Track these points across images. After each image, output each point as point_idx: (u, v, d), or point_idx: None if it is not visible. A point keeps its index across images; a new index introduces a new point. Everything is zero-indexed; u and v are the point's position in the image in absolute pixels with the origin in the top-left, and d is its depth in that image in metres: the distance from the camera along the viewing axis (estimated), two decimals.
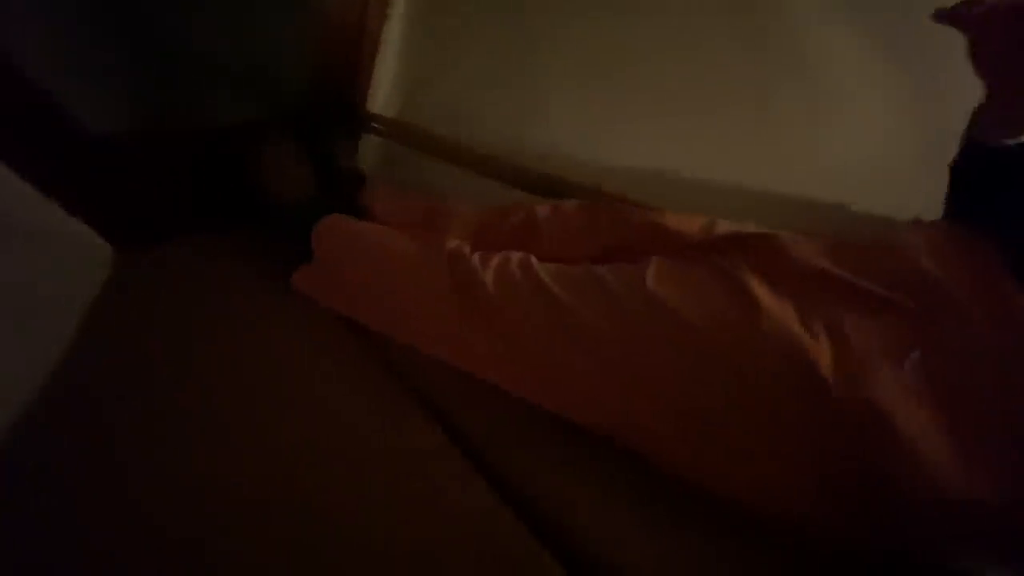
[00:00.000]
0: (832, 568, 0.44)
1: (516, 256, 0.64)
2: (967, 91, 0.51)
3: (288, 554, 0.51)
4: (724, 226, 0.62)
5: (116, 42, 0.80)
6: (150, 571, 0.48)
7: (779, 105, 0.82)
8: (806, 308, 0.46)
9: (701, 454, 0.47)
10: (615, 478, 0.53)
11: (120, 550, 0.50)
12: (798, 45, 0.82)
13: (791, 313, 0.46)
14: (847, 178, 0.77)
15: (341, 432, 0.64)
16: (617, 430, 0.53)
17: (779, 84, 0.82)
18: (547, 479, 0.55)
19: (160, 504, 0.53)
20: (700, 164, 0.87)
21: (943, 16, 0.47)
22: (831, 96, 0.82)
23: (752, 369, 0.44)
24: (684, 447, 0.48)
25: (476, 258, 0.65)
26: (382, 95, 1.21)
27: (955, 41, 0.50)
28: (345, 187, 1.03)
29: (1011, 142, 0.50)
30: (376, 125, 1.20)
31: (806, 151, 0.80)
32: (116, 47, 0.81)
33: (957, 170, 0.57)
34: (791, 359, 0.44)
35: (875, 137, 0.80)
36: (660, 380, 0.48)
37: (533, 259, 0.63)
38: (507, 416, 0.61)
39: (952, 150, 0.56)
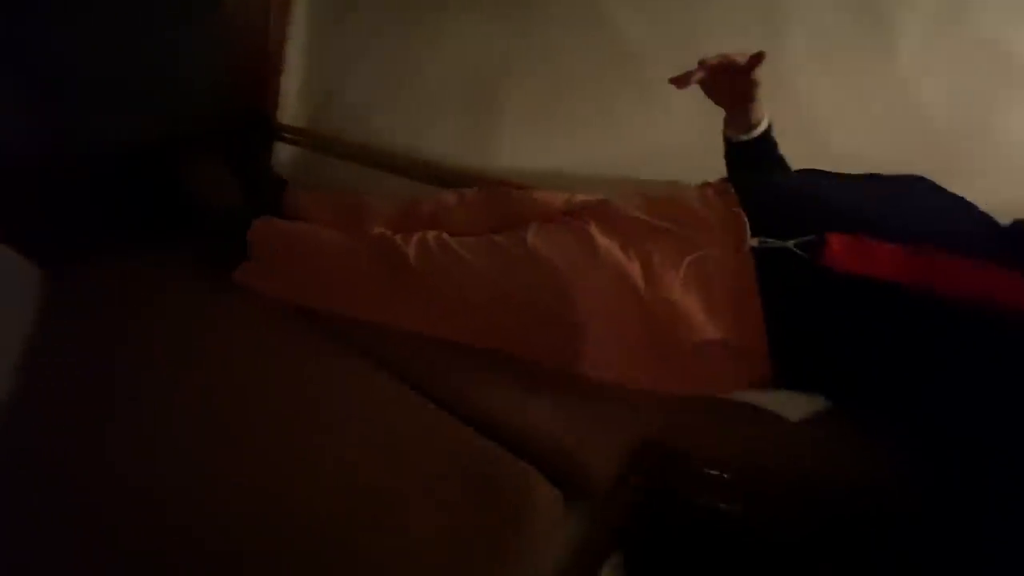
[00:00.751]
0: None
1: (431, 233, 0.83)
2: None
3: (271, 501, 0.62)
4: (579, 198, 0.86)
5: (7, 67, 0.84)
6: None
7: (615, 104, 1.10)
8: (626, 243, 0.71)
9: (566, 348, 0.70)
10: (534, 381, 0.73)
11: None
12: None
13: (617, 248, 0.71)
14: (671, 156, 1.04)
15: (303, 394, 0.77)
16: (514, 346, 0.75)
17: (615, 85, 1.10)
18: (489, 393, 0.72)
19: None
20: (558, 153, 1.12)
21: (679, 81, 0.74)
22: (659, 96, 1.11)
23: (594, 286, 0.68)
24: (558, 345, 0.71)
25: (399, 238, 0.83)
26: (291, 105, 1.33)
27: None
28: (268, 193, 1.15)
29: (740, 138, 0.83)
30: (288, 135, 1.31)
31: (637, 137, 1.08)
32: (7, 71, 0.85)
33: (726, 153, 0.87)
34: (617, 276, 0.68)
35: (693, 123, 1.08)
36: (538, 303, 0.71)
37: (444, 234, 0.82)
38: (442, 355, 0.79)
39: None
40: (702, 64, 0.74)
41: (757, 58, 0.74)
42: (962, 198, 0.75)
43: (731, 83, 0.78)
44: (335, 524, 0.60)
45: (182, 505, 0.63)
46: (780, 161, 0.88)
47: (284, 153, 1.36)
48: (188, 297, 0.91)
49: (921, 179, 0.79)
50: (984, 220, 0.72)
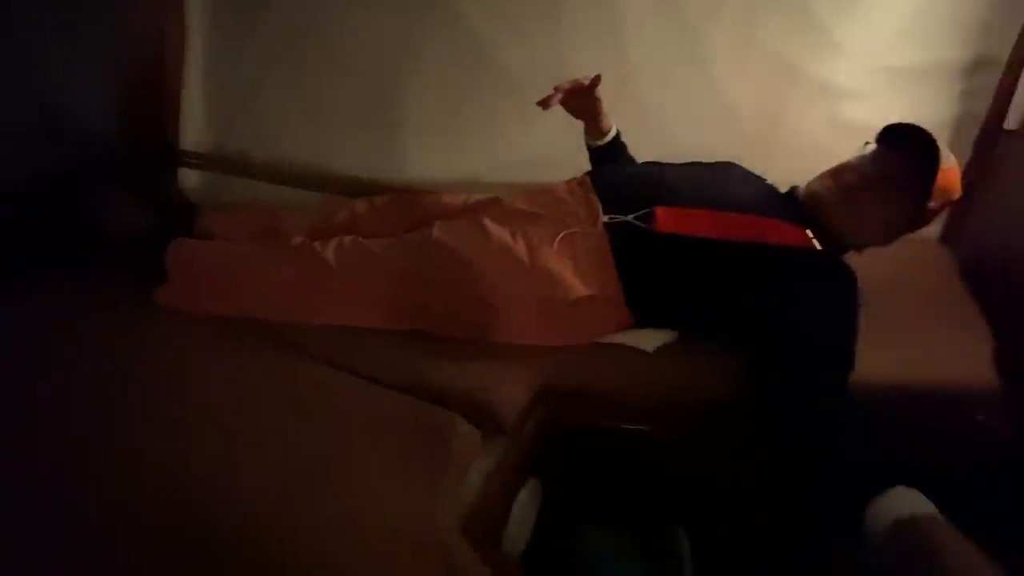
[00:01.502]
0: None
1: (347, 238, 0.95)
2: None
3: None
4: (473, 198, 1.03)
5: None
6: None
7: (498, 119, 1.29)
8: (512, 229, 0.89)
9: (476, 319, 0.87)
10: (446, 349, 0.88)
11: None
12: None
13: (506, 233, 0.88)
14: (545, 160, 1.24)
15: (239, 391, 0.85)
16: (431, 324, 0.90)
17: (496, 102, 1.29)
18: (410, 363, 0.84)
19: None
20: (454, 162, 1.30)
21: (544, 103, 0.92)
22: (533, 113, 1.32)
23: (491, 266, 0.85)
24: (469, 317, 0.87)
25: (317, 245, 0.94)
26: (194, 132, 1.37)
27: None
28: (177, 217, 1.20)
29: (596, 143, 1.08)
30: (192, 160, 1.36)
31: (516, 146, 1.28)
32: None
33: (589, 156, 1.10)
34: (507, 255, 0.85)
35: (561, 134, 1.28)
36: (448, 283, 0.87)
37: (359, 238, 0.95)
38: (365, 340, 0.91)
39: None
40: (558, 88, 0.93)
41: (596, 80, 0.95)
42: (756, 175, 1.01)
43: (582, 101, 0.99)
44: (284, 491, 0.68)
45: (122, 490, 0.67)
46: (628, 157, 1.11)
47: (191, 178, 1.40)
48: (111, 317, 0.95)
49: (731, 164, 1.05)
50: (770, 190, 0.98)
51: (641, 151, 1.13)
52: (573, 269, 0.85)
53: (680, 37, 1.27)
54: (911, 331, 0.95)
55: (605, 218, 0.88)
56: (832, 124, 1.27)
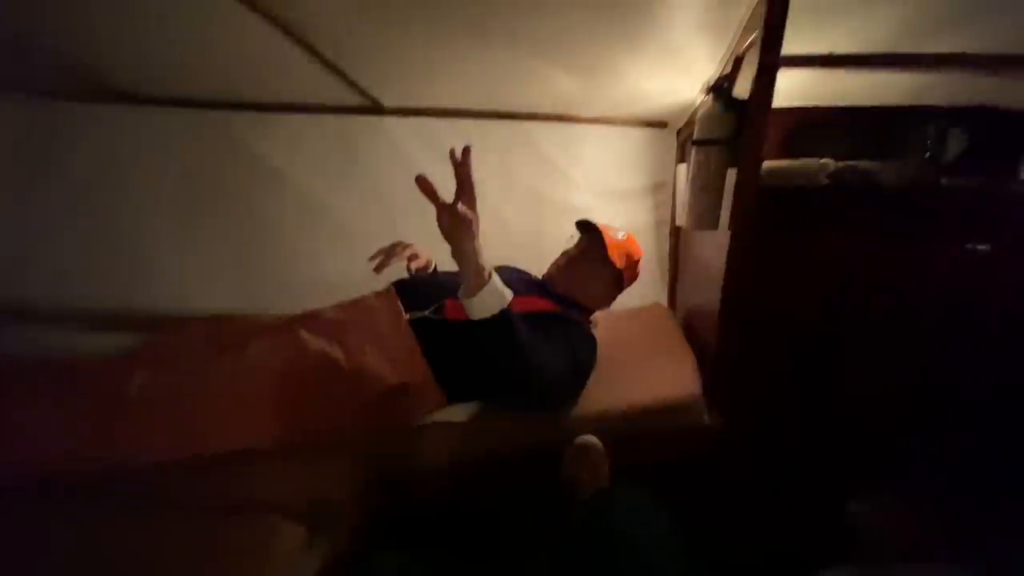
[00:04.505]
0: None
1: (156, 370, 0.97)
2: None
3: None
4: (285, 318, 1.14)
5: None
6: None
7: (315, 245, 1.47)
8: (328, 336, 1.02)
9: (298, 422, 0.95)
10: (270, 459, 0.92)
11: None
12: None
13: (322, 340, 1.00)
14: (356, 279, 1.42)
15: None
16: (247, 438, 0.95)
17: (311, 230, 1.48)
18: (237, 481, 0.88)
19: None
20: (273, 285, 1.42)
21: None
22: (347, 239, 1.53)
23: (310, 374, 0.96)
24: (290, 421, 0.95)
25: (120, 378, 0.94)
26: None
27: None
28: None
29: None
30: None
31: (332, 268, 1.46)
32: None
33: None
34: (323, 359, 0.97)
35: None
36: (264, 397, 0.94)
37: (172, 368, 0.98)
38: (179, 474, 0.90)
39: None
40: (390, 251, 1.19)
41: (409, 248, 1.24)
42: (522, 270, 1.33)
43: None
44: None
45: None
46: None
47: None
48: None
49: (505, 265, 1.35)
50: (531, 278, 1.30)
51: (440, 263, 1.39)
52: (386, 362, 1.01)
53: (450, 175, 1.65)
54: (650, 365, 1.28)
55: (407, 316, 1.07)
56: (575, 231, 1.73)
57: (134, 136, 1.41)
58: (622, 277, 1.30)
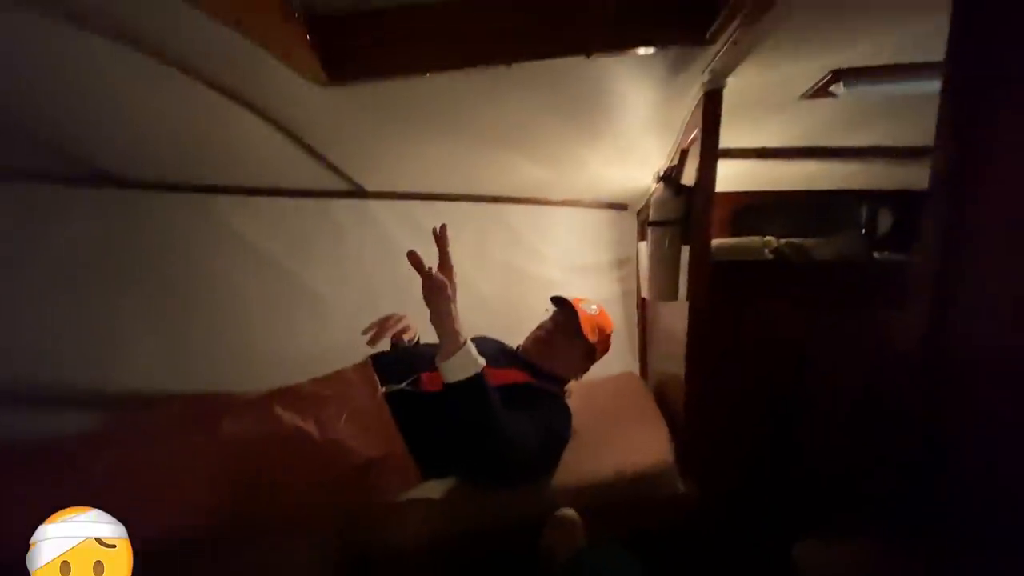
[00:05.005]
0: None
1: (126, 449, 0.96)
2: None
3: None
4: (261, 393, 1.15)
5: None
6: None
7: (294, 319, 1.50)
8: (303, 410, 1.03)
9: (269, 500, 0.93)
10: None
11: None
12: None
13: (296, 416, 1.01)
14: (336, 351, 1.44)
15: None
16: (220, 517, 0.92)
17: (292, 307, 1.51)
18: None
19: None
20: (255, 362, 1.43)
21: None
22: (325, 312, 1.57)
23: (281, 449, 0.96)
24: (264, 497, 0.93)
25: (86, 460, 0.92)
26: None
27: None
28: None
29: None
30: None
31: (311, 341, 1.48)
32: None
33: None
34: (297, 434, 0.98)
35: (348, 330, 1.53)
36: (238, 477, 0.93)
37: (143, 448, 0.96)
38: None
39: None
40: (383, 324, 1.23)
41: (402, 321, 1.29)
42: (498, 340, 1.38)
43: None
44: None
45: None
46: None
47: None
48: None
49: (483, 336, 1.40)
50: (508, 350, 1.34)
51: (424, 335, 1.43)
52: (361, 437, 1.01)
53: (428, 252, 1.73)
54: (624, 434, 1.30)
55: (383, 389, 1.09)
56: (550, 304, 1.80)
57: (112, 219, 1.44)
58: (594, 350, 1.35)
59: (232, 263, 1.57)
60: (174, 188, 1.51)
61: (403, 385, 1.10)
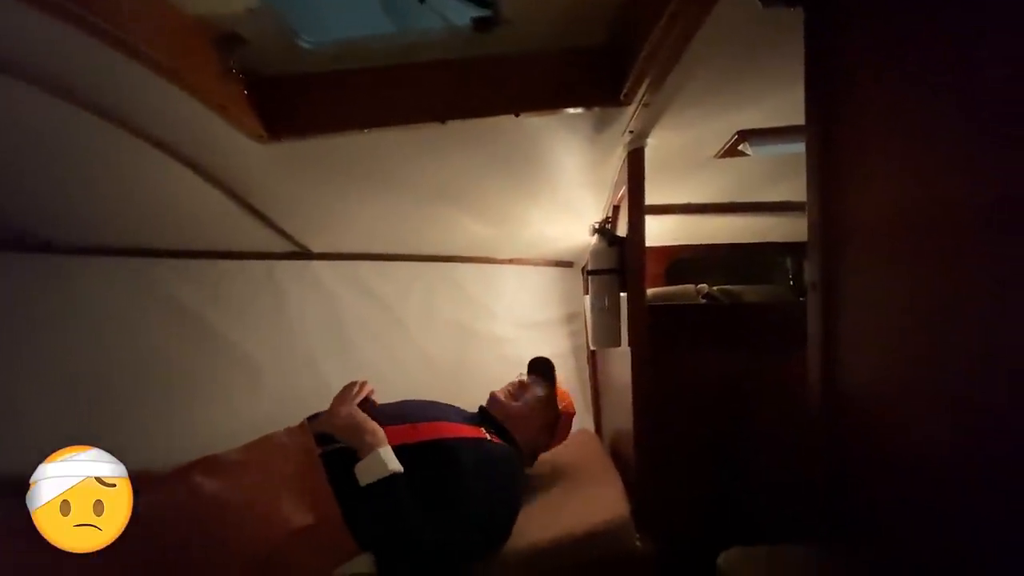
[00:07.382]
0: None
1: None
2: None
3: None
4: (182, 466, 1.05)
5: None
6: None
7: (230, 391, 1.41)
8: (227, 478, 0.94)
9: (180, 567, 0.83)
10: None
11: None
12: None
13: (218, 484, 0.93)
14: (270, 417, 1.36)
15: None
16: None
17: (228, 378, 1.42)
18: None
19: None
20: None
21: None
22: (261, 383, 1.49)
23: (196, 510, 0.87)
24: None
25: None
26: None
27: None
28: None
29: None
30: None
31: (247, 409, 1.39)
32: None
33: None
34: (218, 505, 0.89)
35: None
36: (166, 548, 0.84)
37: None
38: None
39: None
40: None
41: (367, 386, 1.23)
42: (447, 403, 1.33)
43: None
44: None
45: None
46: None
47: None
48: None
49: (433, 402, 1.36)
50: (456, 409, 1.29)
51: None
52: (293, 502, 0.93)
53: (382, 314, 1.71)
54: (580, 494, 1.26)
55: (319, 450, 1.02)
56: (499, 361, 1.78)
57: (45, 286, 1.38)
58: (556, 424, 1.34)
59: (167, 330, 1.49)
60: (105, 252, 1.45)
61: (341, 443, 1.03)
